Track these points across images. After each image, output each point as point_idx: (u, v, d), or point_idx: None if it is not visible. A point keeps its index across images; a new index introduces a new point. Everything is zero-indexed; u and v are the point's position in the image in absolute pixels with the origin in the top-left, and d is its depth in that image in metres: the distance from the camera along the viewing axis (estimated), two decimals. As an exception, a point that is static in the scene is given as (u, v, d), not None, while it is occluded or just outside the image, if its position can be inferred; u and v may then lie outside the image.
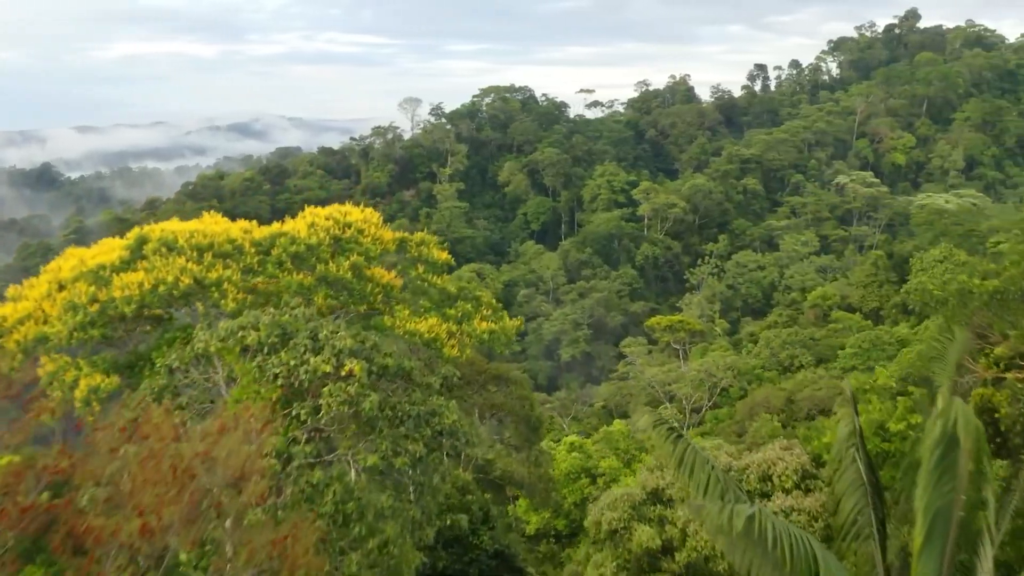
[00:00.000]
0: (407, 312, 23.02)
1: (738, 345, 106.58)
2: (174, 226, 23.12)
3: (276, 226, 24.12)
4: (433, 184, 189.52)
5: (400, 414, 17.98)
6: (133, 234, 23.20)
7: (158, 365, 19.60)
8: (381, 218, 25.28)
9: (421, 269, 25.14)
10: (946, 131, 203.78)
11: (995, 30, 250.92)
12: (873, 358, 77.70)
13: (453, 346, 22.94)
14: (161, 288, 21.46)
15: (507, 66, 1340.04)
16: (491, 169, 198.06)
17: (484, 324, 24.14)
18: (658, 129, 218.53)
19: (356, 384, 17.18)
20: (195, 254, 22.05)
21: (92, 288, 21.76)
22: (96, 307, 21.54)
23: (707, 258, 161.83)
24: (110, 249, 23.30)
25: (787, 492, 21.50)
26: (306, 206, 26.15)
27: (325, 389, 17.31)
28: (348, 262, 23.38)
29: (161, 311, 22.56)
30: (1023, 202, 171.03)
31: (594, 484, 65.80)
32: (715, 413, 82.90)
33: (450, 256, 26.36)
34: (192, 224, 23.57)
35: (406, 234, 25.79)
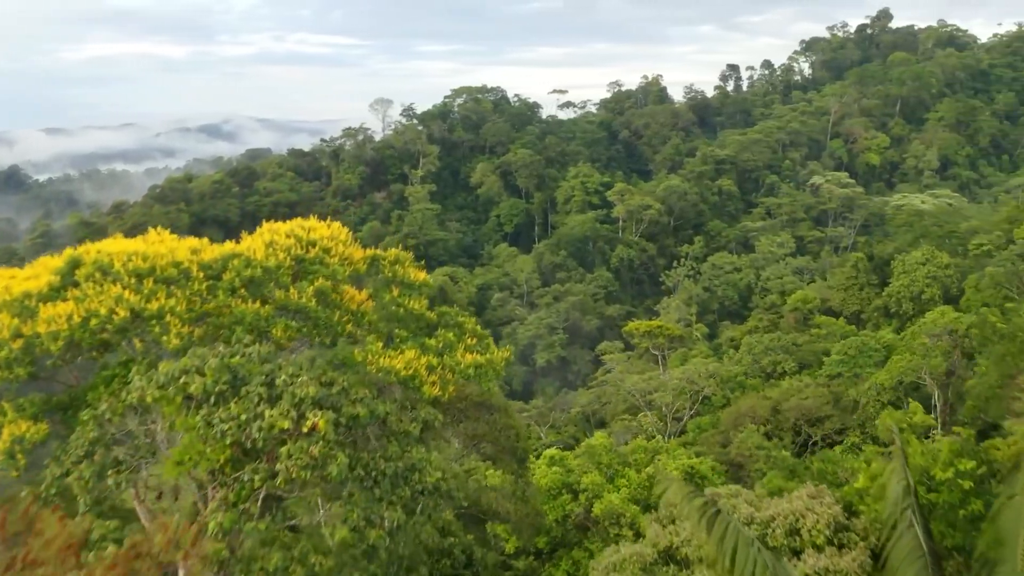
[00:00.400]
0: (380, 345, 20.11)
1: (718, 350, 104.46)
2: (112, 247, 19.99)
3: (229, 246, 21.12)
4: (405, 186, 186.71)
5: (374, 473, 15.24)
6: (65, 255, 20.16)
7: (85, 418, 16.69)
8: (350, 233, 22.39)
9: (396, 292, 22.41)
10: (920, 131, 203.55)
11: (967, 30, 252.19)
12: (860, 365, 75.74)
13: (434, 384, 20.02)
14: (93, 322, 18.39)
15: (479, 67, 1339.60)
16: (463, 170, 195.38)
17: (469, 356, 21.10)
18: (631, 130, 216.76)
19: (321, 443, 14.41)
20: (134, 281, 19.06)
21: (15, 321, 18.75)
22: (20, 343, 18.56)
23: (683, 260, 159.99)
24: (40, 273, 20.26)
25: (819, 549, 18.96)
26: (266, 221, 23.30)
27: (283, 449, 14.51)
28: (312, 287, 20.54)
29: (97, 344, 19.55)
30: (997, 202, 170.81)
31: (576, 500, 63.38)
32: (697, 421, 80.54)
33: (428, 277, 23.36)
34: (134, 243, 20.46)
35: (378, 251, 22.79)
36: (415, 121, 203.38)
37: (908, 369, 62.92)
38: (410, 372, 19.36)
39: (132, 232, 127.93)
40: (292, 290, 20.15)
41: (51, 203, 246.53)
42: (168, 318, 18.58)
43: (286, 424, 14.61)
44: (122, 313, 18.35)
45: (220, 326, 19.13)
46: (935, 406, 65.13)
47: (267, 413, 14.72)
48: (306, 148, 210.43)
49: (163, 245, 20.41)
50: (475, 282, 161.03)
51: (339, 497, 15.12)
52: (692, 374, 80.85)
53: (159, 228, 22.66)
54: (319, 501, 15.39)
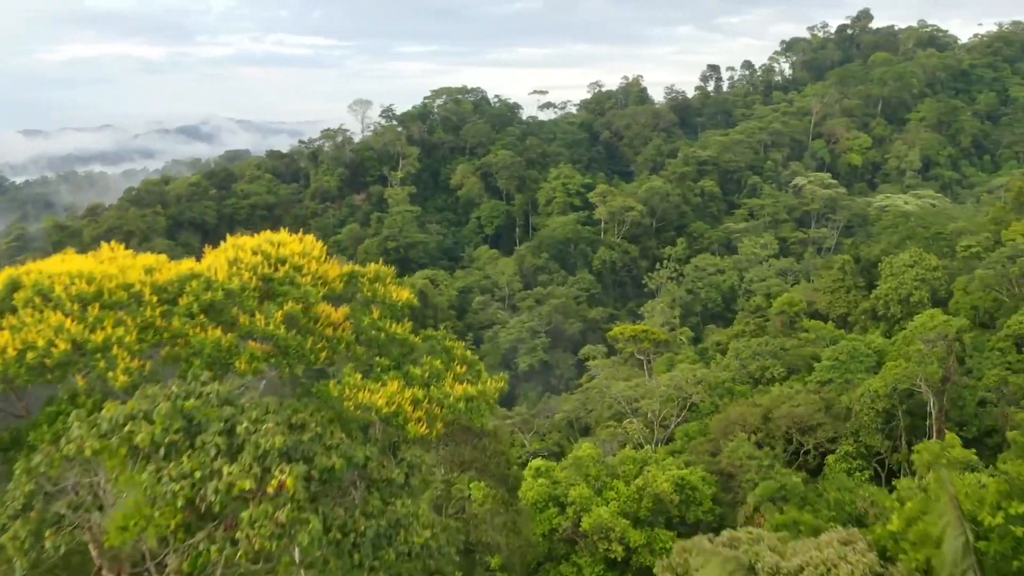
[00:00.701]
0: (359, 376, 17.80)
1: (704, 355, 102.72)
2: (55, 267, 17.60)
3: (188, 264, 18.75)
4: (384, 188, 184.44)
5: (352, 536, 13.07)
6: (3, 277, 17.72)
7: (17, 471, 14.38)
8: (325, 247, 20.11)
9: (376, 314, 20.24)
10: (901, 131, 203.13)
11: (947, 30, 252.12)
12: (851, 370, 74.13)
13: (420, 421, 17.66)
14: (30, 355, 16.09)
15: (458, 67, 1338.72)
16: (443, 172, 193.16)
17: (459, 387, 18.81)
18: (612, 130, 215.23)
19: (289, 506, 12.21)
20: (77, 307, 16.70)
21: (-52, 351, 16.45)
22: (-53, 377, 16.28)
23: (665, 262, 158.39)
24: (-23, 296, 17.91)
25: (856, 606, 16.99)
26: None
27: (245, 515, 12.32)
28: (281, 312, 18.42)
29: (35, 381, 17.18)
30: (980, 202, 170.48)
31: (563, 514, 61.34)
32: (685, 428, 78.77)
33: (413, 295, 20.98)
34: (81, 262, 18.09)
35: (356, 267, 20.56)
36: (394, 122, 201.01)
37: (903, 376, 61.28)
38: (393, 408, 17.15)
39: (107, 236, 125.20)
40: (258, 315, 17.94)
41: (28, 205, 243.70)
42: (115, 350, 16.27)
43: (247, 484, 12.37)
44: (62, 346, 16.06)
45: (175, 358, 16.90)
46: (930, 413, 63.64)
47: (226, 470, 12.48)
48: (285, 149, 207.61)
49: (114, 264, 18.05)
50: (456, 285, 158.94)
51: (312, 565, 12.93)
52: (680, 380, 79.03)
53: (113, 243, 20.30)
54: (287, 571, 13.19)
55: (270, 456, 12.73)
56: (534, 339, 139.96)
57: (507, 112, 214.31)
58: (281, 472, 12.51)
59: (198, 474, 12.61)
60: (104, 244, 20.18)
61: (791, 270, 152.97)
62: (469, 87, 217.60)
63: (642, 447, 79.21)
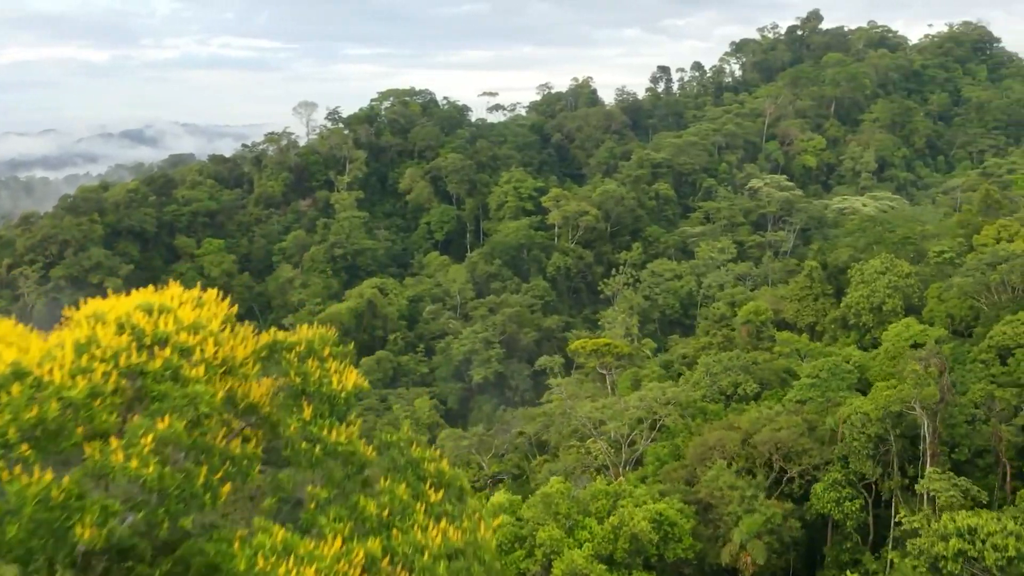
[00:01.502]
0: (279, 530, 11.32)
1: (669, 368, 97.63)
2: None
3: (11, 354, 12.11)
4: (331, 193, 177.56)
5: None
6: None
7: None
8: (234, 309, 13.81)
9: (309, 411, 13.27)
10: (855, 132, 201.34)
11: (896, 31, 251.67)
12: (833, 388, 69.45)
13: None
14: None
15: (405, 70, 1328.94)
16: (391, 176, 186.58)
17: (436, 534, 12.30)
18: (564, 132, 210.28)
19: None
20: None
21: None
22: None
23: (621, 268, 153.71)
24: None
25: None
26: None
27: None
28: (152, 435, 11.44)
29: None
30: (936, 203, 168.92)
31: (531, 557, 55.65)
32: (656, 451, 73.61)
33: (364, 378, 14.34)
34: None
35: (279, 336, 14.24)
36: (341, 125, 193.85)
37: (897, 399, 56.51)
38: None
39: (42, 245, 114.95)
40: (114, 441, 11.50)
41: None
42: None
43: None
44: None
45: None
46: (924, 437, 59.04)
47: None
48: (229, 154, 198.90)
49: None
50: (406, 294, 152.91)
51: None
52: (650, 401, 73.71)
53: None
54: None
55: None
56: (488, 350, 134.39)
57: (456, 114, 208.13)
58: None
59: None
60: None
61: (750, 275, 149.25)
62: (417, 89, 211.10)
63: (608, 469, 74.07)
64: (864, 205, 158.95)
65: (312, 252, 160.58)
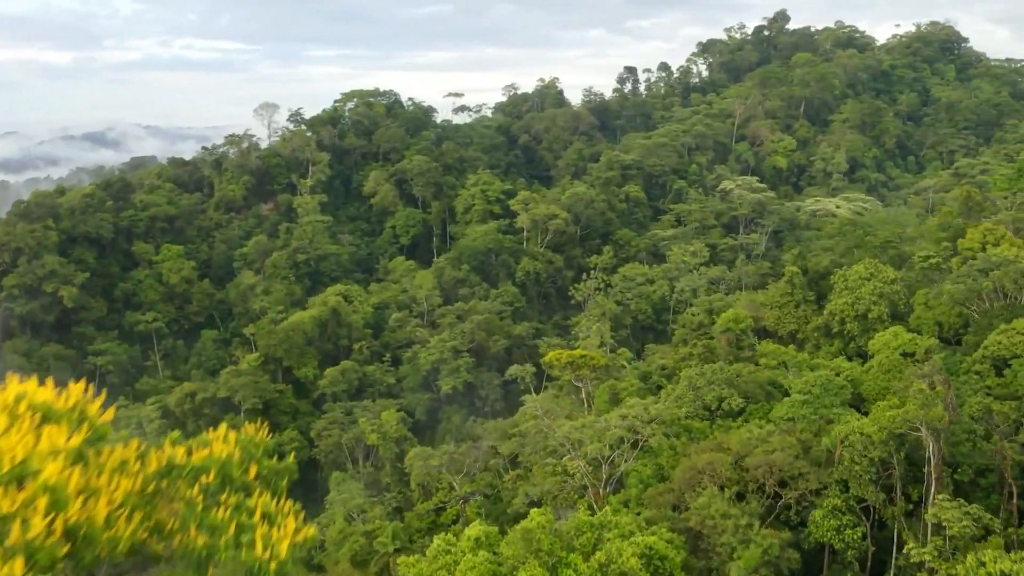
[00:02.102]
0: None
1: (647, 379, 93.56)
2: None
3: None
4: (293, 196, 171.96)
5: None
6: None
7: None
8: (111, 411, 8.99)
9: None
10: (825, 133, 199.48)
11: (864, 31, 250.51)
12: (826, 405, 65.74)
13: None
14: None
15: (369, 71, 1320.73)
16: (355, 179, 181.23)
17: None
18: (531, 134, 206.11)
19: None
20: None
21: None
22: None
23: (592, 272, 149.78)
24: None
25: None
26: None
27: None
28: None
29: None
30: (907, 204, 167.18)
31: (511, 600, 51.22)
32: (639, 472, 69.31)
33: (311, 528, 9.17)
34: None
35: (181, 458, 8.93)
36: (303, 127, 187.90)
37: (902, 420, 52.78)
38: None
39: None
40: None
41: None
42: None
43: None
44: None
45: None
46: (929, 459, 55.43)
47: None
48: (188, 156, 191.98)
49: None
50: (371, 301, 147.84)
51: None
52: (632, 420, 69.45)
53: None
54: None
55: None
56: (457, 359, 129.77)
57: (421, 116, 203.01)
58: None
59: None
60: None
61: (723, 279, 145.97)
62: (382, 90, 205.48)
63: (587, 490, 70.00)
64: (837, 207, 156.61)
65: (274, 258, 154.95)
